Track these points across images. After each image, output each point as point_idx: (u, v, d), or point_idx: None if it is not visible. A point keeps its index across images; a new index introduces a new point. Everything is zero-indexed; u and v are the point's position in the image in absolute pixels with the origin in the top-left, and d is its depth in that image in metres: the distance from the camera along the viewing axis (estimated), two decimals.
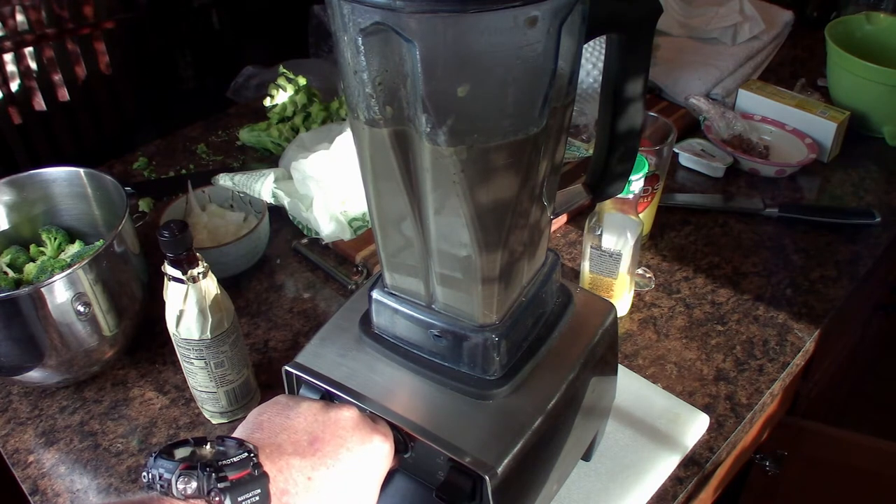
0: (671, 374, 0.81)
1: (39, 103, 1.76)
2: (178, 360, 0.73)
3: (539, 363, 0.57)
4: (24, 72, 1.70)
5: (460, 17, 0.39)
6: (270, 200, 0.94)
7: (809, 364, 0.96)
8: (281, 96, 1.12)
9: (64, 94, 1.79)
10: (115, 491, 0.72)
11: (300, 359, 0.59)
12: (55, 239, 0.86)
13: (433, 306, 0.55)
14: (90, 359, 0.78)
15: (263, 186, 0.93)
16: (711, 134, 1.10)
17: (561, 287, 0.62)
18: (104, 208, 0.87)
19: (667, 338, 0.85)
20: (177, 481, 0.41)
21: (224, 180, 0.95)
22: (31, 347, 0.73)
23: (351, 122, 0.49)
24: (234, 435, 0.48)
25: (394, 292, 0.56)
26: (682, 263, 0.94)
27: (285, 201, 0.94)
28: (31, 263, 0.84)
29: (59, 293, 0.71)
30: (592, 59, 1.09)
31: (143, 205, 1.05)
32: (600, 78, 0.59)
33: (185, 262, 0.65)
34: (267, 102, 1.13)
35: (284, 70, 1.14)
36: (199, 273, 0.66)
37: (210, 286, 0.67)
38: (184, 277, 0.65)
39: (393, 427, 0.54)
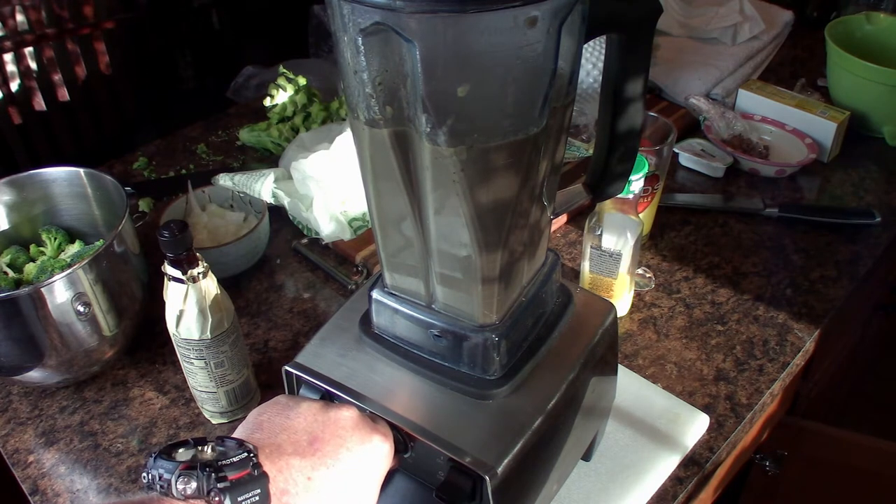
0: (671, 374, 0.81)
1: (39, 103, 1.76)
2: (178, 360, 0.73)
3: (539, 363, 0.57)
4: (24, 72, 1.70)
5: (460, 17, 0.39)
6: (270, 200, 0.94)
7: (809, 364, 0.96)
8: (281, 96, 1.12)
9: (64, 94, 1.79)
10: (115, 491, 0.72)
11: (300, 359, 0.59)
12: (55, 239, 0.86)
13: (433, 306, 0.55)
14: (90, 359, 0.78)
15: (263, 186, 0.93)
16: (711, 134, 1.10)
17: (561, 287, 0.62)
18: (104, 208, 0.87)
19: (667, 338, 0.85)
20: (176, 481, 0.41)
21: (224, 180, 0.95)
22: (31, 347, 0.73)
23: (351, 122, 0.49)
24: (234, 435, 0.48)
25: (394, 292, 0.56)
26: (682, 263, 0.94)
27: (285, 201, 0.94)
28: (31, 263, 0.84)
29: (59, 293, 0.71)
30: (592, 59, 1.09)
31: (143, 205, 1.05)
32: (600, 78, 0.59)
33: (185, 262, 0.65)
34: (267, 102, 1.13)
35: (284, 70, 1.14)
36: (199, 273, 0.66)
37: (210, 286, 0.67)
38: (184, 277, 0.65)
39: (393, 427, 0.54)
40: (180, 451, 0.44)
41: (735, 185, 1.07)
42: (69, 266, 0.73)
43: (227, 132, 1.22)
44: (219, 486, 0.41)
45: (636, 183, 0.77)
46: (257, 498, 0.43)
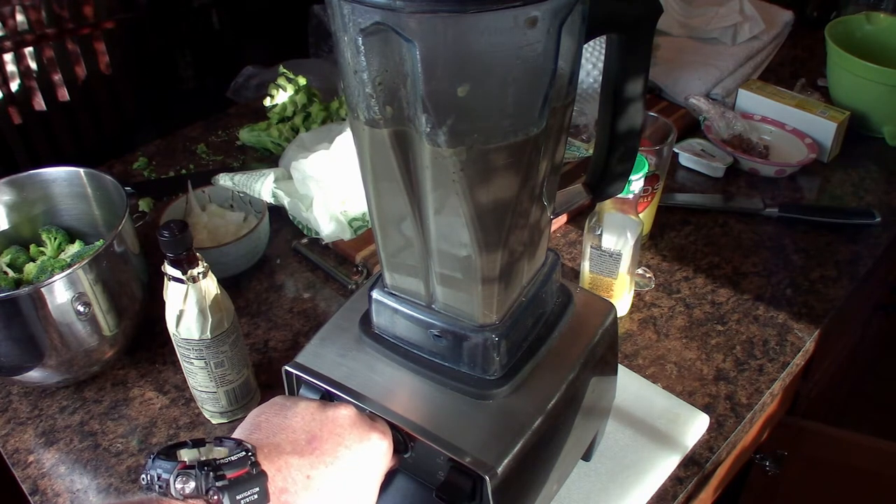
0: (671, 374, 0.81)
1: (39, 103, 1.76)
2: (178, 360, 0.73)
3: (539, 363, 0.57)
4: (24, 72, 1.70)
5: (460, 17, 0.39)
6: (270, 200, 0.94)
7: (809, 364, 0.96)
8: (281, 96, 1.12)
9: (64, 94, 1.79)
10: (115, 491, 0.72)
11: (300, 359, 0.59)
12: (55, 239, 0.86)
13: (433, 306, 0.55)
14: (90, 359, 0.78)
15: (263, 186, 0.93)
16: (711, 134, 1.10)
17: (561, 287, 0.62)
18: (104, 208, 0.87)
19: (667, 338, 0.85)
20: (175, 481, 0.41)
21: (224, 180, 0.95)
22: (31, 347, 0.73)
23: (351, 122, 0.49)
24: (233, 436, 0.48)
25: (394, 292, 0.56)
26: (682, 263, 0.94)
27: (285, 201, 0.94)
28: (31, 263, 0.84)
29: (59, 293, 0.71)
30: (592, 59, 1.09)
31: (143, 205, 1.05)
32: (600, 78, 0.59)
33: (185, 262, 0.65)
34: (267, 102, 1.13)
35: (284, 70, 1.14)
36: (199, 273, 0.66)
37: (210, 286, 0.67)
38: (184, 277, 0.65)
39: (393, 427, 0.54)
40: (179, 451, 0.44)
41: (735, 185, 1.07)
42: (69, 266, 0.73)
43: (227, 132, 1.22)
44: (217, 484, 0.41)
45: (636, 183, 0.77)
46: (256, 496, 0.43)
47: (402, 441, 0.55)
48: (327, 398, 0.57)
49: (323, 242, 0.95)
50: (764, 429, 1.01)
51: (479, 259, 0.49)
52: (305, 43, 1.48)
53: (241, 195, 0.96)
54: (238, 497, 0.42)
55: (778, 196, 1.05)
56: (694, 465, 0.72)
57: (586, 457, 0.71)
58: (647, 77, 0.52)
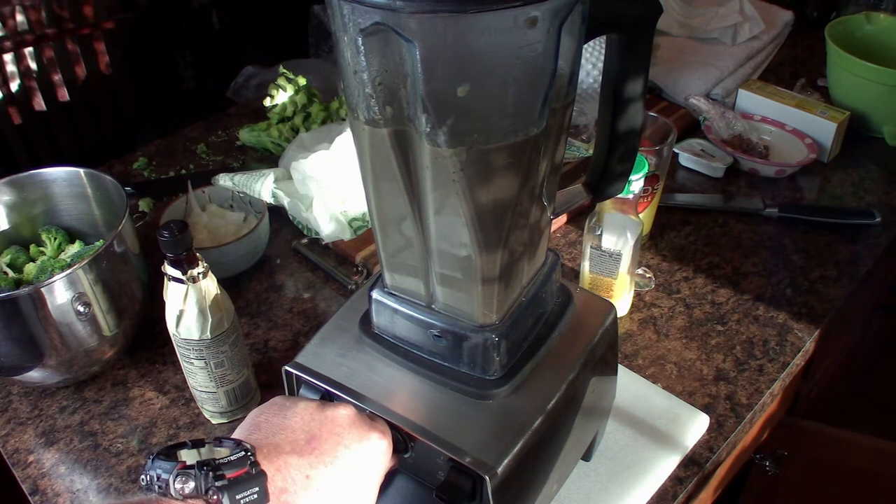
0: (671, 374, 0.81)
1: (39, 103, 1.76)
2: (178, 360, 0.73)
3: (539, 363, 0.57)
4: (24, 72, 1.70)
5: (460, 18, 0.39)
6: (270, 200, 0.94)
7: (809, 364, 0.96)
8: (281, 96, 1.12)
9: (64, 94, 1.79)
10: (115, 491, 0.72)
11: (300, 359, 0.59)
12: (55, 239, 0.86)
13: (433, 306, 0.55)
14: (90, 359, 0.78)
15: (263, 186, 0.93)
16: (711, 134, 1.10)
17: (561, 287, 0.62)
18: (104, 208, 0.87)
19: (667, 338, 0.85)
20: (174, 481, 0.41)
21: (224, 180, 0.95)
22: (31, 347, 0.73)
23: (351, 122, 0.49)
24: (232, 436, 0.48)
25: (394, 292, 0.56)
26: (682, 263, 0.94)
27: (285, 201, 0.94)
28: (31, 263, 0.84)
29: (59, 293, 0.71)
30: (592, 59, 1.09)
31: (143, 205, 1.05)
32: (600, 78, 0.59)
33: (185, 262, 0.65)
34: (267, 102, 1.13)
35: (284, 70, 1.14)
36: (199, 273, 0.66)
37: (210, 286, 0.67)
38: (184, 277, 0.65)
39: (393, 427, 0.54)
40: (178, 452, 0.44)
41: (735, 185, 1.07)
42: (69, 266, 0.73)
43: (227, 132, 1.22)
44: (216, 484, 0.42)
45: (636, 183, 0.77)
46: (255, 496, 0.43)
47: (402, 441, 0.55)
48: (327, 398, 0.57)
49: (323, 242, 0.95)
50: (764, 429, 1.01)
51: (479, 259, 0.49)
52: (305, 43, 1.48)
53: (241, 195, 0.96)
54: (237, 497, 0.42)
55: (778, 196, 1.05)
56: (694, 465, 0.72)
57: (586, 457, 0.71)
58: (647, 77, 0.52)
